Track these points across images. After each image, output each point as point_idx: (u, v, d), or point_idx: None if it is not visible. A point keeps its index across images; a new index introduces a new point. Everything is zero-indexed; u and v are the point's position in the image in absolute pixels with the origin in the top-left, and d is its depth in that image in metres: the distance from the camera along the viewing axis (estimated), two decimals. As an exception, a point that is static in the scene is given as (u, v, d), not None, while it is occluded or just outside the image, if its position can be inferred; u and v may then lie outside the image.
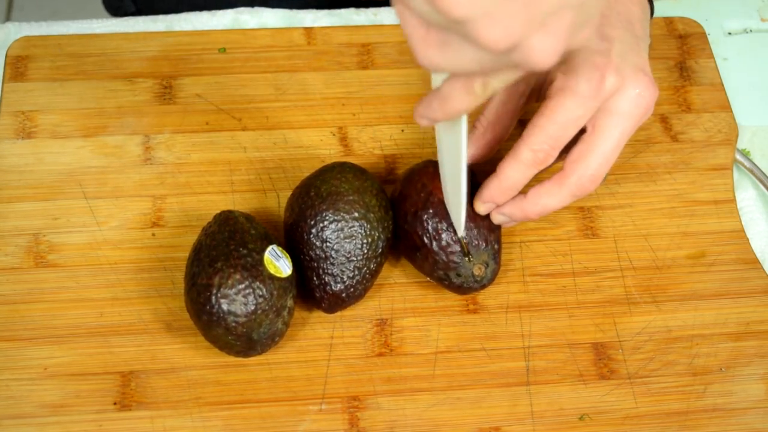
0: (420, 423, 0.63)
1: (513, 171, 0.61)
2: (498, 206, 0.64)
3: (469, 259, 0.64)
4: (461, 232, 0.64)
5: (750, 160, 0.76)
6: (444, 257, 0.64)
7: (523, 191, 0.63)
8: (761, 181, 0.75)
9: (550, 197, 0.62)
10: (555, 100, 0.59)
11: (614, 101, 0.60)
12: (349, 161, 0.67)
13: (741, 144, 0.77)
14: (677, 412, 0.64)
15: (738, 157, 0.76)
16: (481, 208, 0.64)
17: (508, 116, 0.66)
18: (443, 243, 0.64)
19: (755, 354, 0.67)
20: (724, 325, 0.68)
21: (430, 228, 0.64)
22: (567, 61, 0.60)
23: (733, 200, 0.74)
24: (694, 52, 0.81)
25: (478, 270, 0.64)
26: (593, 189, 0.62)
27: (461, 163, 0.59)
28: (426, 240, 0.64)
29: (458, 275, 0.64)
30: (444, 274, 0.64)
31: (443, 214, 0.64)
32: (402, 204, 0.66)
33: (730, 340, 0.67)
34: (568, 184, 0.61)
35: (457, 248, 0.64)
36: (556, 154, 0.61)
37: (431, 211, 0.64)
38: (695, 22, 0.83)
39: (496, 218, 0.65)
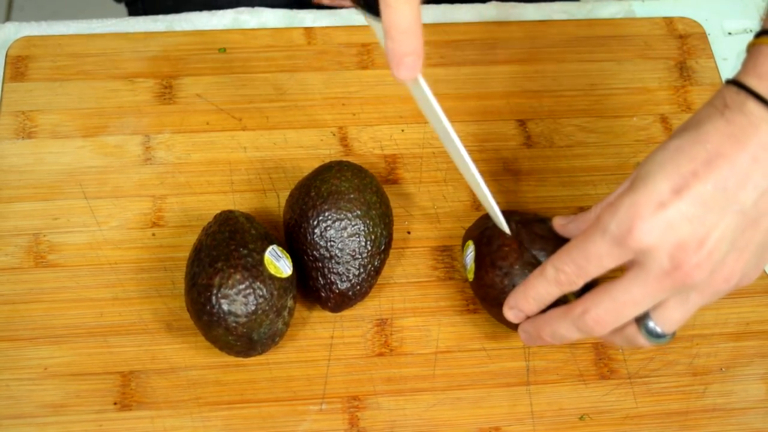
0: (420, 423, 0.63)
1: (537, 283, 0.59)
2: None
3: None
4: (506, 227, 0.63)
5: (750, 160, 0.76)
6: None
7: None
8: (761, 181, 0.75)
9: (559, 324, 0.58)
10: (586, 230, 0.56)
11: (643, 255, 0.53)
12: (347, 161, 0.68)
13: (741, 144, 0.77)
14: (677, 412, 0.64)
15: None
16: (508, 313, 0.61)
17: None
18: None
19: (755, 354, 0.67)
20: (724, 325, 0.68)
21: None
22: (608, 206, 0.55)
23: (733, 200, 0.74)
24: (694, 52, 0.81)
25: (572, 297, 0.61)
26: (599, 333, 0.56)
27: (460, 150, 0.58)
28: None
29: None
30: None
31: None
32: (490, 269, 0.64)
33: (730, 340, 0.67)
34: (572, 315, 0.57)
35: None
36: (579, 282, 0.57)
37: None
38: (695, 22, 0.83)
39: (522, 336, 0.62)
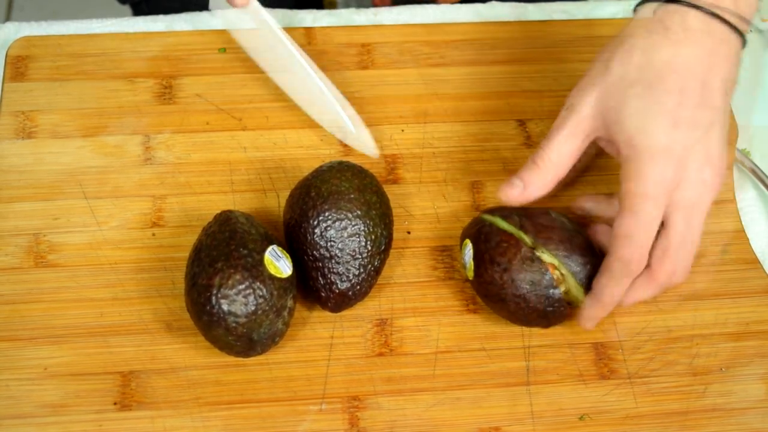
0: (420, 423, 0.63)
1: (609, 287, 0.62)
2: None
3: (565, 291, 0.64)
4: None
5: (750, 161, 0.76)
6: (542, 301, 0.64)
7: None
8: (761, 181, 0.75)
9: (643, 292, 0.63)
10: (630, 208, 0.60)
11: (681, 192, 0.61)
12: (347, 161, 0.68)
13: (741, 144, 0.77)
14: (677, 412, 0.64)
15: (738, 157, 0.76)
16: (588, 325, 0.64)
17: (570, 160, 0.66)
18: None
19: (755, 354, 0.67)
20: (724, 325, 0.68)
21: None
22: (630, 157, 0.61)
23: (734, 200, 0.74)
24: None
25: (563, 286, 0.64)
26: (685, 279, 0.63)
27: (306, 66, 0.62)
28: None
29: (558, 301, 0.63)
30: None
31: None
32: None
33: (730, 340, 0.67)
34: (656, 280, 0.62)
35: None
36: (645, 259, 0.61)
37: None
38: (695, 22, 0.83)
39: (587, 324, 0.65)
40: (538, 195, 0.65)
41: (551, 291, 0.63)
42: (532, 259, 0.62)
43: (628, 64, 0.62)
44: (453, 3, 0.84)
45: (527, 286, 0.63)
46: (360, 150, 0.74)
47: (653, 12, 0.63)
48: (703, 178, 0.61)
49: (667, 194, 0.60)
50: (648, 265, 0.62)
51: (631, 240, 0.60)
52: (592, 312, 0.64)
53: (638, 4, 0.65)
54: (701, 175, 0.61)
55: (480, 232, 0.65)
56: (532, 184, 0.65)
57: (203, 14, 0.82)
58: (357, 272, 0.64)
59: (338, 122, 0.71)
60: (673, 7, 0.62)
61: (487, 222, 0.65)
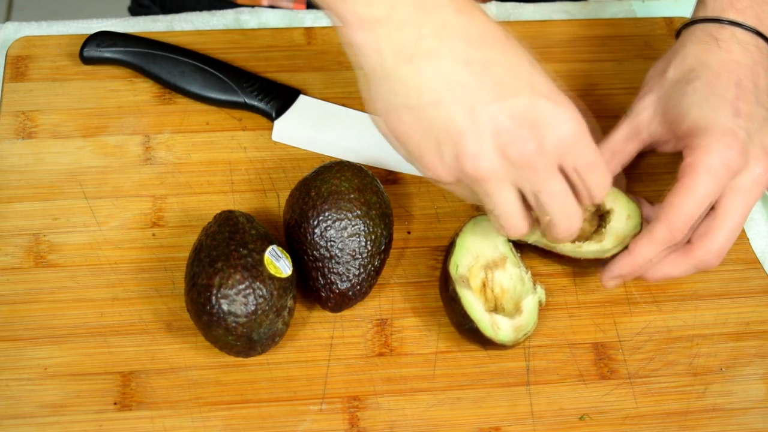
0: (420, 423, 0.63)
1: (647, 249, 0.63)
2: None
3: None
4: None
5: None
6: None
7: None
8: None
9: (675, 267, 0.64)
10: (690, 177, 0.62)
11: (738, 179, 0.63)
12: (347, 161, 0.68)
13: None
14: (677, 412, 0.64)
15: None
16: (610, 283, 0.65)
17: (625, 161, 0.70)
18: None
19: (755, 354, 0.67)
20: (724, 325, 0.68)
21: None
22: (697, 135, 0.62)
23: (733, 200, 0.74)
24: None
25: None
26: (717, 264, 0.64)
27: None
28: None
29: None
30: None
31: None
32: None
33: (730, 340, 0.67)
34: (694, 257, 0.64)
35: None
36: (689, 231, 0.63)
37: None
38: (695, 22, 0.83)
39: (610, 283, 0.66)
40: None
41: (466, 326, 0.63)
42: (455, 300, 0.63)
43: (683, 67, 0.66)
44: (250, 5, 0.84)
45: (453, 320, 0.64)
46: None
47: (701, 30, 0.67)
48: (759, 170, 0.63)
49: (729, 175, 0.62)
50: (688, 241, 0.63)
51: (681, 209, 0.61)
52: (619, 268, 0.64)
53: (683, 27, 0.69)
54: (758, 165, 0.63)
55: (448, 248, 0.66)
56: None
57: (203, 14, 0.82)
58: (357, 272, 0.64)
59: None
60: (719, 25, 0.67)
61: (454, 240, 0.66)
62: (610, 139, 0.69)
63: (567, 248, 0.66)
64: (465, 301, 0.62)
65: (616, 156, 0.69)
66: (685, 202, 0.61)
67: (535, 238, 0.66)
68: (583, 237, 0.67)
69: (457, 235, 0.65)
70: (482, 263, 0.65)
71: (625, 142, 0.68)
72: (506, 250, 0.66)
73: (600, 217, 0.68)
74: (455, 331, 0.65)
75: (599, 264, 0.66)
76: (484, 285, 0.65)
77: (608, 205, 0.67)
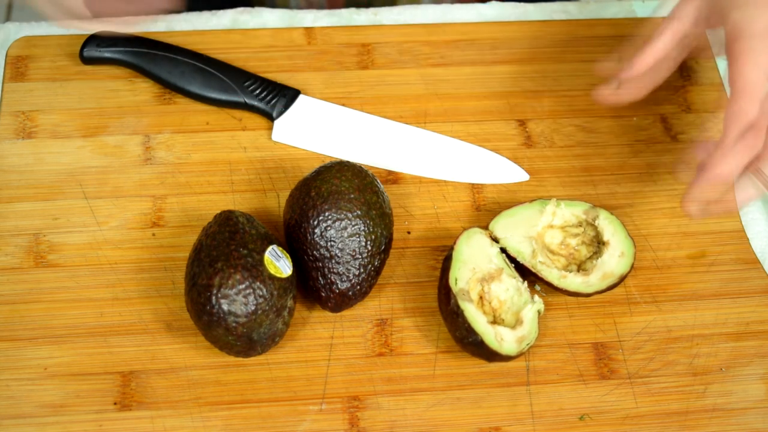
0: (420, 423, 0.63)
1: (724, 163, 0.61)
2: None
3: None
4: None
5: (750, 160, 0.76)
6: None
7: None
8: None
9: (752, 189, 0.62)
10: (741, 49, 0.60)
11: None
12: (347, 161, 0.68)
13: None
14: (677, 412, 0.64)
15: (738, 157, 0.76)
16: (691, 208, 0.63)
17: (668, 67, 0.67)
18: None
19: (755, 354, 0.67)
20: (724, 325, 0.68)
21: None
22: (738, 38, 0.60)
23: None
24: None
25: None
26: None
27: None
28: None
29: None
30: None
31: None
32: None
33: (730, 340, 0.67)
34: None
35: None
36: (763, 116, 0.60)
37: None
38: (695, 22, 0.83)
39: (691, 208, 0.63)
40: (631, 99, 0.65)
41: (470, 339, 0.62)
42: (457, 313, 0.62)
43: None
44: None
45: (456, 335, 0.63)
46: (511, 180, 0.74)
47: None
48: None
49: None
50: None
51: (747, 78, 0.59)
52: (698, 189, 0.62)
53: None
54: None
55: (445, 261, 0.65)
56: (628, 85, 0.65)
57: (203, 14, 0.82)
58: (357, 272, 0.64)
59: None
60: None
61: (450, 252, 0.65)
62: (654, 44, 0.65)
63: (551, 275, 0.65)
64: (468, 315, 0.62)
65: (663, 63, 0.66)
66: (747, 76, 0.60)
67: (523, 258, 0.66)
68: (576, 261, 0.67)
69: (452, 248, 0.65)
70: (479, 276, 0.65)
71: (671, 47, 0.65)
72: (500, 261, 0.65)
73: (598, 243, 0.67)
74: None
75: (580, 296, 0.65)
76: (481, 298, 0.65)
77: (606, 237, 0.66)
